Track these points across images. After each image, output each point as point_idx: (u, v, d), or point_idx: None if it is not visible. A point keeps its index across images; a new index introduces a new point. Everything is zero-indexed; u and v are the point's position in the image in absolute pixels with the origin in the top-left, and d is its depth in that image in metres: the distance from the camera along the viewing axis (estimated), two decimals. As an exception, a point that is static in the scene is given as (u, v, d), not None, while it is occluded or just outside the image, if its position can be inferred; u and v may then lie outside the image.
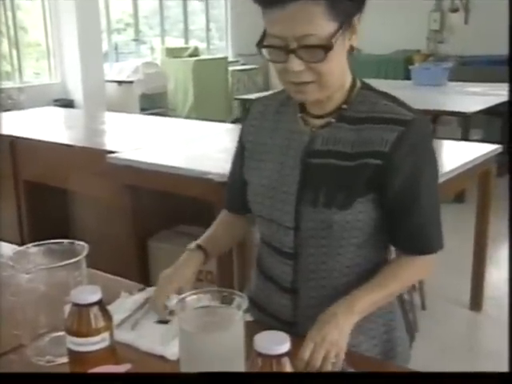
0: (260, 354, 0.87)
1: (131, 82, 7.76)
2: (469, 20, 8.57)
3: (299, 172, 1.24)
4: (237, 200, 1.41)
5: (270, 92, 1.38)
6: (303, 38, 1.08)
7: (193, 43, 9.23)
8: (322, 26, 1.08)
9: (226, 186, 1.48)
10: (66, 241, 1.28)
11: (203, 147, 3.23)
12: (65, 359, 1.10)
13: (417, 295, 3.32)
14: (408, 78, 6.81)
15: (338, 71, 1.17)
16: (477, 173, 3.12)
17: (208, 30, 9.58)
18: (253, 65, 9.07)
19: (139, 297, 1.43)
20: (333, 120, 1.23)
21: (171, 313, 1.30)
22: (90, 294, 1.05)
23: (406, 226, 1.22)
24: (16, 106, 6.42)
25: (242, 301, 1.05)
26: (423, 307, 3.38)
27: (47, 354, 1.20)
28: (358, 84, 1.25)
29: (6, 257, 1.53)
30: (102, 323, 1.05)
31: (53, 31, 7.42)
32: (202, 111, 8.03)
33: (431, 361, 2.74)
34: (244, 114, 1.41)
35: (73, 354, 1.06)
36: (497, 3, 7.54)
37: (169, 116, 7.33)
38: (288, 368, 0.87)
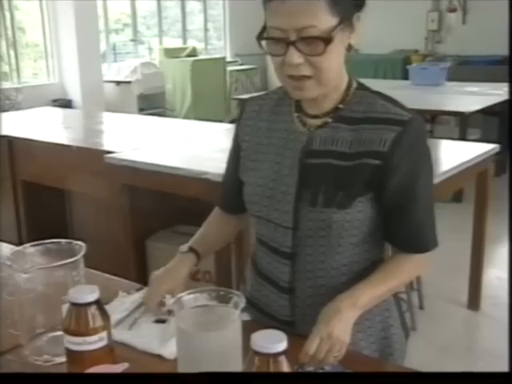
0: (257, 353, 0.87)
1: (129, 83, 7.76)
2: (467, 20, 8.59)
3: (297, 172, 1.24)
4: (231, 200, 1.42)
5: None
6: (303, 29, 1.10)
7: (191, 43, 9.24)
8: (323, 19, 1.09)
9: (221, 185, 1.48)
10: (63, 240, 1.28)
11: (201, 147, 3.23)
12: (63, 359, 1.10)
13: (415, 295, 3.32)
14: (406, 77, 6.82)
15: (335, 68, 1.18)
16: (475, 172, 3.13)
17: (206, 30, 9.58)
18: (251, 65, 9.07)
19: (137, 296, 1.43)
20: (330, 120, 1.24)
21: (169, 312, 1.31)
22: (87, 294, 1.05)
23: (404, 225, 1.23)
24: (14, 107, 6.43)
25: (239, 300, 1.06)
26: (421, 306, 3.38)
27: (45, 353, 1.20)
28: (354, 84, 1.26)
29: (3, 257, 1.53)
30: (99, 323, 1.05)
31: (51, 32, 7.42)
32: (200, 111, 8.03)
33: (429, 360, 2.74)
34: (239, 114, 1.41)
35: (71, 354, 1.06)
36: (495, 3, 7.56)
37: (167, 116, 7.33)
38: (285, 366, 0.88)
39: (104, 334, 1.06)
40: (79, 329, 1.04)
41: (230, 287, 1.52)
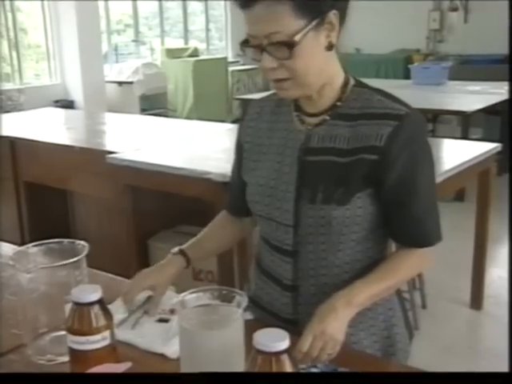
0: (259, 351, 0.87)
1: (131, 83, 7.77)
2: (468, 19, 8.58)
3: (296, 170, 1.25)
4: (237, 202, 1.42)
5: (269, 92, 1.39)
6: (270, 35, 1.12)
7: (192, 44, 9.24)
8: (287, 23, 1.10)
9: (228, 187, 1.49)
10: (66, 240, 1.28)
11: (203, 147, 3.24)
12: (66, 358, 1.10)
13: (417, 294, 3.32)
14: (408, 77, 6.81)
15: (313, 69, 1.17)
16: (477, 171, 3.13)
17: (208, 30, 9.58)
18: (252, 65, 9.05)
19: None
20: (328, 117, 1.24)
21: (171, 311, 1.31)
22: (90, 293, 1.05)
23: (404, 219, 1.23)
24: (16, 108, 6.44)
25: (241, 299, 1.06)
26: (424, 306, 3.38)
27: (48, 353, 1.20)
28: (352, 81, 1.26)
29: (6, 257, 1.53)
30: (102, 322, 1.05)
31: (53, 33, 7.43)
32: (201, 111, 8.04)
33: (431, 359, 2.74)
34: (241, 115, 1.43)
35: (73, 353, 1.06)
36: (496, 2, 7.55)
37: (169, 116, 7.34)
38: (287, 365, 0.87)
39: (107, 333, 1.06)
40: (82, 328, 1.04)
41: (233, 287, 1.53)
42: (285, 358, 0.87)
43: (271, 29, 1.11)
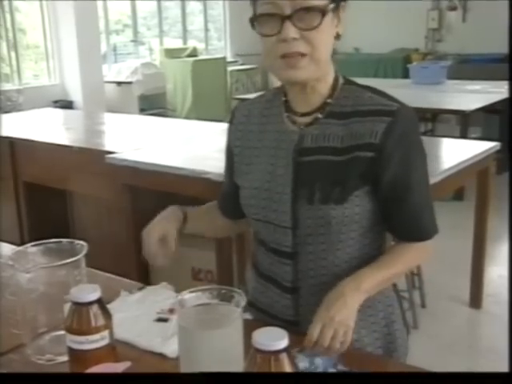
0: (258, 351, 0.87)
1: (130, 83, 7.77)
2: (467, 18, 8.58)
3: (292, 171, 1.24)
4: (230, 205, 1.42)
5: (257, 94, 1.38)
6: (298, 1, 1.12)
7: (191, 44, 9.25)
8: None
9: (220, 191, 1.48)
10: (65, 240, 1.28)
11: (202, 147, 3.24)
12: (65, 358, 1.10)
13: (417, 293, 3.32)
14: (406, 76, 6.82)
15: (327, 48, 1.19)
16: (476, 170, 3.13)
17: (206, 30, 9.58)
18: (251, 65, 9.07)
19: (139, 296, 1.44)
20: (320, 116, 1.24)
21: (170, 311, 1.31)
22: (89, 293, 1.05)
23: (403, 215, 1.23)
24: (15, 108, 6.43)
25: (240, 298, 1.06)
26: (423, 305, 3.38)
27: (47, 352, 1.20)
28: (341, 80, 1.26)
29: (5, 257, 1.53)
30: (101, 322, 1.05)
31: (51, 33, 7.43)
32: (200, 111, 8.04)
33: (431, 358, 2.74)
34: (229, 120, 1.42)
35: (73, 353, 1.06)
36: (495, 2, 7.55)
37: (168, 116, 7.34)
38: (286, 364, 0.87)
39: (106, 332, 1.06)
40: (81, 328, 1.04)
41: (232, 286, 1.53)
42: (284, 356, 0.87)
43: None
